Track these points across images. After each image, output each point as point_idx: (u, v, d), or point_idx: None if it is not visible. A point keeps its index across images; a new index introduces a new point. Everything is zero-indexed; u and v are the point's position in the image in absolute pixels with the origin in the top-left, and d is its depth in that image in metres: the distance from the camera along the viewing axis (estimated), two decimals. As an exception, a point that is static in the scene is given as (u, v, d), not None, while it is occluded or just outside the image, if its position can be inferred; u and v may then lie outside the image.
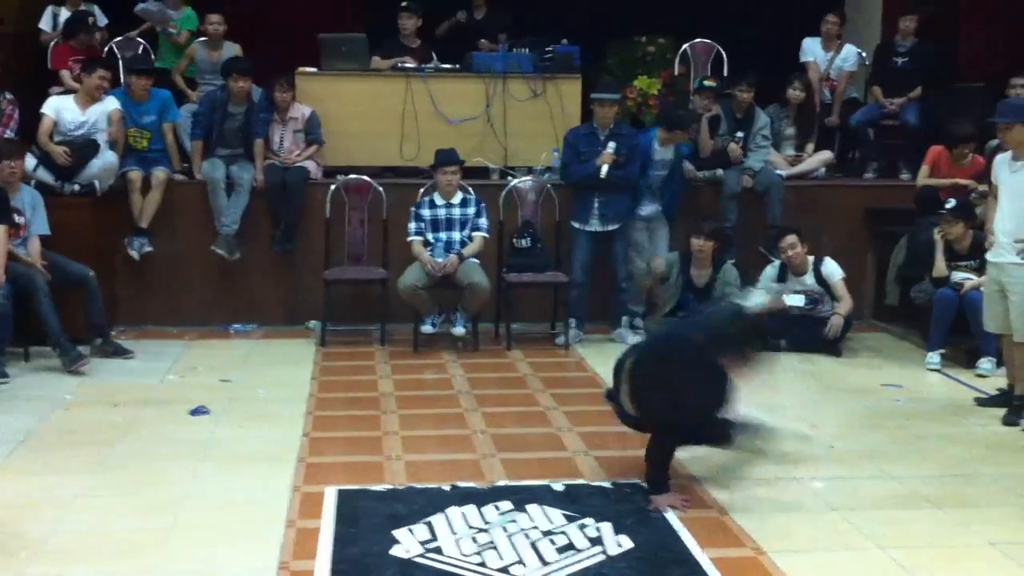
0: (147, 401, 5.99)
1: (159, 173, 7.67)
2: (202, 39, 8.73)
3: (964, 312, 6.74)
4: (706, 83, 8.44)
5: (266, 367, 6.83)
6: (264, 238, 7.81)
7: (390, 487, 4.68)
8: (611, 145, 7.27)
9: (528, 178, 7.95)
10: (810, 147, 8.69)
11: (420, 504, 4.47)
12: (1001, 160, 5.88)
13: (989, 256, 5.89)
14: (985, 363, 6.64)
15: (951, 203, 7.09)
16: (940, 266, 6.96)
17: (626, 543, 4.14)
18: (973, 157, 7.65)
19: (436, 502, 4.49)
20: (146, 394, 6.13)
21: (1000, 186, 5.81)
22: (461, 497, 4.55)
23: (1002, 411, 5.79)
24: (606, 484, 4.74)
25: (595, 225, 7.44)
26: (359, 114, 8.23)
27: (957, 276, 6.89)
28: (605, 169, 7.21)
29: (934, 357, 6.88)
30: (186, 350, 7.23)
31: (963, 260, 6.95)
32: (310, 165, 7.92)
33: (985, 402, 6.06)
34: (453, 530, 4.22)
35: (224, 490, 4.66)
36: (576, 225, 7.47)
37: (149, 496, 4.58)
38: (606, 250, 7.53)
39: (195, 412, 5.76)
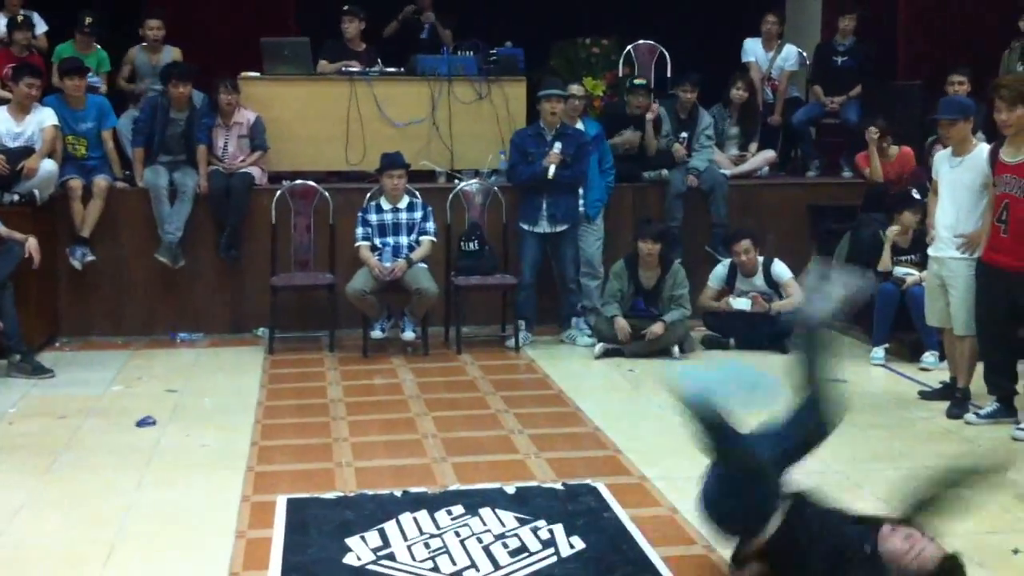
0: (91, 412, 5.90)
1: (100, 181, 7.55)
2: (142, 44, 8.61)
3: (906, 307, 6.84)
4: (636, 82, 8.49)
5: (213, 376, 6.76)
6: (209, 245, 7.73)
7: (341, 494, 4.65)
8: (557, 145, 7.30)
9: (475, 181, 7.95)
10: (753, 146, 8.79)
11: (371, 511, 4.44)
12: (941, 156, 5.98)
13: (930, 251, 5.99)
14: (929, 357, 6.75)
15: (915, 194, 7.18)
16: (886, 259, 7.07)
17: (578, 544, 4.14)
18: (899, 149, 7.79)
19: (387, 508, 4.46)
20: (90, 405, 6.04)
21: (940, 181, 5.91)
22: (413, 503, 4.53)
23: (946, 404, 5.88)
24: (557, 485, 4.75)
25: (544, 226, 7.46)
26: (304, 119, 8.18)
27: (899, 271, 7.00)
28: (552, 170, 7.24)
29: (878, 352, 6.98)
30: (131, 360, 7.14)
31: (905, 255, 7.06)
32: (255, 171, 7.85)
33: (929, 395, 6.15)
34: (405, 536, 4.20)
35: (171, 501, 4.60)
36: (525, 227, 7.49)
37: (94, 508, 4.50)
38: (555, 251, 7.55)
39: (141, 423, 5.68)
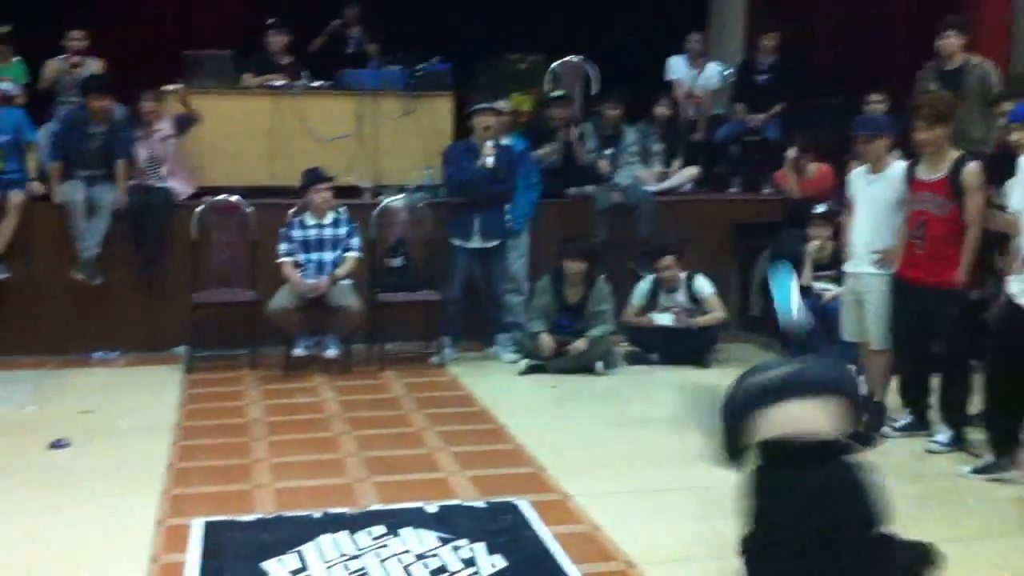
0: (3, 433, 5.74)
1: (15, 196, 7.38)
2: (62, 56, 8.43)
3: (824, 321, 6.94)
4: (556, 94, 8.53)
5: (130, 395, 6.63)
6: (127, 262, 7.58)
7: (259, 516, 4.57)
8: (489, 143, 7.30)
9: (400, 196, 7.92)
10: (677, 163, 8.87)
11: (290, 533, 4.37)
12: (857, 174, 6.08)
13: (847, 267, 6.09)
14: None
15: (821, 207, 7.30)
16: (806, 275, 7.17)
17: (499, 563, 4.12)
18: (818, 166, 7.94)
19: (307, 530, 4.40)
20: (1, 425, 5.87)
21: (856, 198, 6.02)
22: (332, 523, 4.47)
23: (862, 417, 5.98)
24: (480, 504, 4.73)
25: (476, 241, 7.45)
26: (227, 133, 8.08)
27: (817, 286, 7.11)
28: (490, 160, 7.26)
29: (798, 366, 7.06)
30: (45, 379, 6.97)
31: (823, 271, 7.18)
32: (177, 186, 7.73)
33: (846, 409, 6.24)
34: (324, 558, 4.14)
35: (84, 525, 4.49)
36: (457, 242, 7.47)
37: (3, 533, 4.37)
38: (485, 266, 7.55)
39: (55, 445, 5.53)
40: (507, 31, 10.06)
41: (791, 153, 7.90)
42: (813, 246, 7.19)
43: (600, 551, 4.27)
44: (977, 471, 5.09)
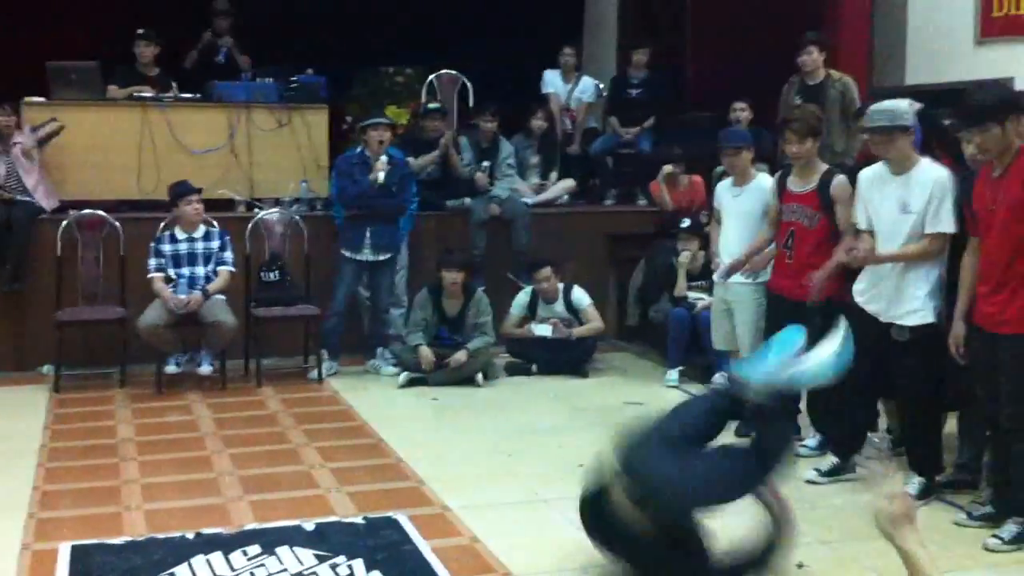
0: None
1: None
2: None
3: (698, 330, 7.10)
4: (430, 106, 8.52)
5: (7, 413, 6.36)
6: (-12, 279, 7.29)
7: (128, 539, 4.44)
8: (383, 158, 7.26)
9: (276, 210, 7.80)
10: (553, 175, 8.97)
11: (162, 555, 4.26)
12: (723, 186, 6.26)
13: (715, 277, 6.24)
14: (719, 378, 6.99)
15: (686, 222, 7.47)
16: (681, 285, 7.33)
17: (378, 579, 4.10)
18: (690, 179, 8.13)
19: (179, 552, 4.29)
20: None
21: (722, 211, 6.18)
22: (206, 544, 4.37)
23: (734, 424, 6.10)
24: (358, 520, 4.68)
25: (367, 254, 7.39)
26: (92, 146, 7.84)
27: (691, 296, 7.28)
28: (382, 175, 7.20)
29: (673, 374, 7.21)
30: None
31: (695, 280, 7.34)
32: (41, 199, 7.47)
33: (720, 415, 6.38)
34: (198, 580, 4.06)
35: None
36: (347, 254, 7.38)
37: None
38: (372, 280, 7.50)
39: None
40: (382, 44, 10.03)
41: (668, 168, 8.07)
42: (684, 256, 7.35)
43: (480, 564, 4.28)
44: (824, 474, 5.24)
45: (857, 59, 8.71)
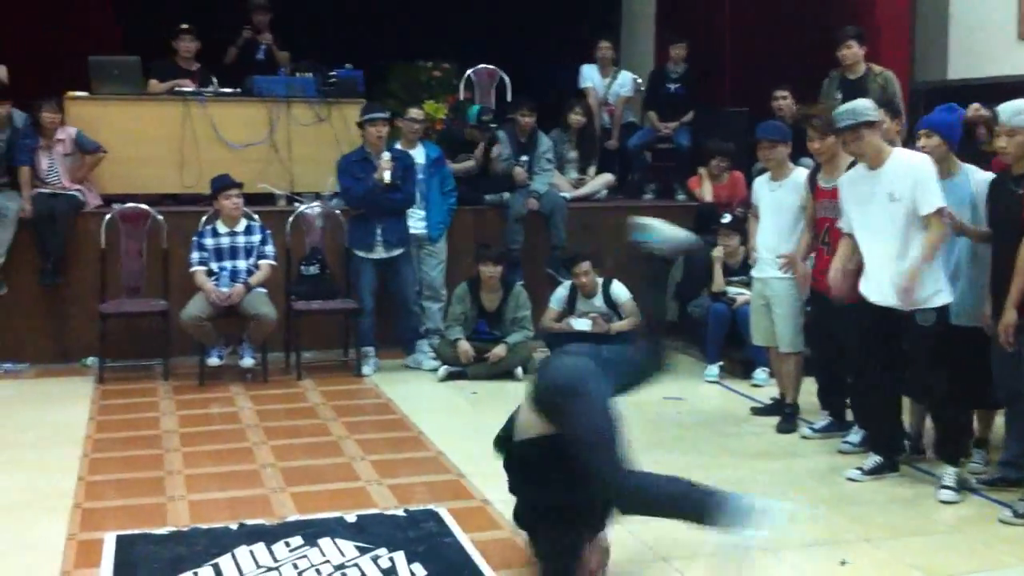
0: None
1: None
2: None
3: (737, 325, 7.07)
4: (484, 119, 8.49)
5: (38, 409, 6.45)
6: (32, 271, 7.37)
7: (172, 529, 4.49)
8: (386, 155, 7.25)
9: (315, 204, 7.85)
10: (592, 170, 8.96)
11: (205, 545, 4.30)
12: (760, 181, 6.23)
13: (754, 272, 6.21)
14: (760, 373, 6.99)
15: (726, 217, 7.43)
16: (719, 280, 7.30)
17: (419, 571, 4.11)
18: (731, 174, 8.08)
19: (222, 542, 4.33)
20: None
21: (760, 205, 6.15)
22: (249, 535, 4.41)
23: (776, 419, 6.10)
24: (399, 512, 4.71)
25: (379, 252, 7.40)
26: (135, 140, 7.92)
27: (730, 291, 7.25)
28: (387, 175, 7.20)
29: (712, 369, 7.19)
30: (-52, 393, 6.77)
31: (735, 276, 7.31)
32: (86, 193, 7.56)
33: (760, 411, 6.37)
34: (241, 571, 4.08)
35: (-10, 541, 4.37)
36: (360, 254, 7.40)
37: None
38: (393, 275, 7.51)
39: (-43, 460, 5.38)
40: (419, 39, 10.06)
41: (713, 167, 8.03)
42: (718, 251, 7.31)
43: (520, 556, 4.27)
44: (866, 472, 5.20)
45: (898, 53, 8.62)
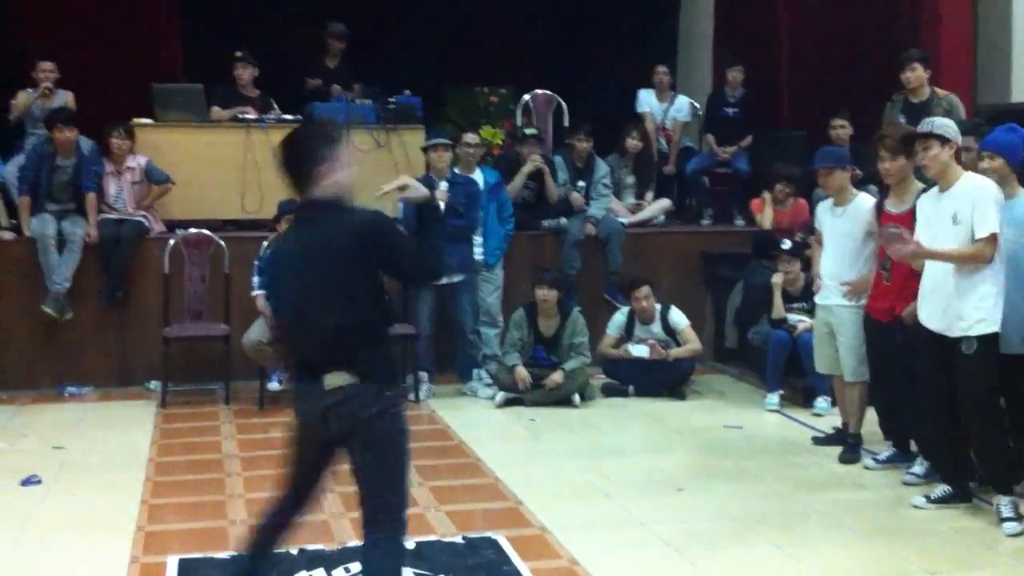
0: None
1: (-18, 230, 7.35)
2: (32, 88, 8.37)
3: (798, 353, 6.99)
4: (527, 131, 8.53)
5: (102, 431, 6.55)
6: (96, 296, 7.51)
7: (234, 554, 4.51)
8: (443, 186, 7.29)
9: (374, 229, 7.87)
10: (649, 195, 8.93)
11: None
12: (823, 206, 6.15)
13: (817, 299, 6.13)
14: (821, 402, 6.89)
15: (786, 243, 7.37)
16: (778, 306, 7.22)
17: (479, 599, 4.11)
18: (795, 200, 8.01)
19: (283, 567, 4.35)
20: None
21: (823, 231, 6.08)
22: (309, 561, 4.44)
23: (838, 449, 6.00)
24: (458, 540, 4.70)
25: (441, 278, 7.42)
26: (197, 166, 8.05)
27: (791, 318, 7.16)
28: (442, 206, 7.23)
29: (772, 398, 7.11)
30: (15, 416, 6.89)
31: (796, 302, 7.23)
32: (150, 220, 7.69)
33: (822, 441, 6.26)
34: (302, 596, 4.11)
35: (56, 563, 4.43)
36: None
37: (-29, 575, 4.32)
38: (452, 301, 7.53)
39: (26, 482, 5.47)
40: (477, 64, 10.11)
41: (779, 192, 7.97)
42: (777, 277, 7.24)
43: (580, 586, 4.26)
44: (932, 501, 5.11)
45: (959, 76, 8.51)
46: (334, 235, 3.35)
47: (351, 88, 9.01)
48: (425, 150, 7.51)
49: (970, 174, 4.99)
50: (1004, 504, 4.86)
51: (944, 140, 4.91)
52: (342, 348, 3.34)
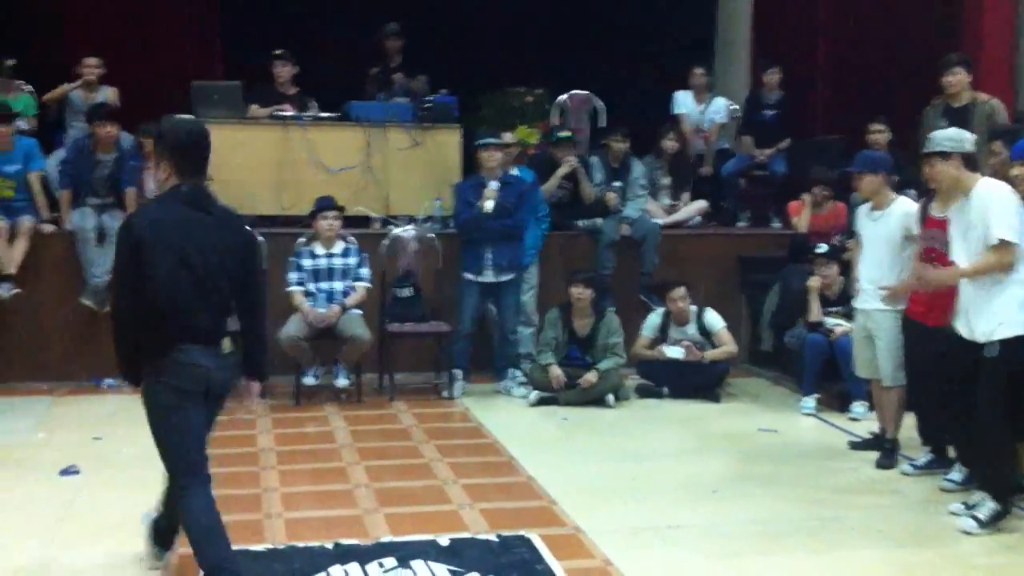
0: (11, 461, 5.72)
1: (24, 221, 7.44)
2: (76, 82, 8.48)
3: (835, 357, 6.94)
4: (560, 135, 8.51)
5: (139, 424, 6.52)
6: (136, 289, 7.58)
7: (269, 547, 4.55)
8: (493, 184, 7.31)
9: (410, 227, 7.92)
10: (685, 196, 8.90)
11: (300, 564, 4.36)
12: (862, 210, 6.11)
13: (856, 303, 6.09)
14: (858, 407, 6.84)
15: (822, 247, 7.32)
16: (815, 310, 7.17)
17: (512, 597, 4.11)
18: (833, 204, 7.95)
19: (317, 561, 4.38)
20: (10, 454, 5.86)
21: (861, 235, 6.04)
22: (343, 555, 4.45)
23: (875, 454, 5.95)
24: (491, 537, 4.70)
25: (488, 276, 7.43)
26: (235, 163, 8.07)
27: (828, 322, 7.11)
28: (490, 204, 7.26)
29: (808, 402, 7.06)
30: (54, 407, 6.97)
31: (833, 306, 7.18)
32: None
33: (858, 446, 6.21)
34: (336, 590, 4.13)
35: (92, 555, 4.47)
36: (469, 276, 7.44)
37: (9, 561, 4.36)
38: (497, 301, 7.54)
39: (64, 472, 5.52)
40: (513, 65, 10.11)
41: (816, 195, 7.93)
42: (814, 281, 7.19)
43: (613, 586, 4.26)
44: (983, 524, 4.91)
45: (999, 80, 8.43)
46: (228, 227, 3.97)
47: (416, 79, 9.04)
48: (475, 149, 7.53)
49: (983, 180, 4.98)
50: (985, 505, 4.86)
51: (945, 155, 4.91)
52: (226, 321, 3.98)
